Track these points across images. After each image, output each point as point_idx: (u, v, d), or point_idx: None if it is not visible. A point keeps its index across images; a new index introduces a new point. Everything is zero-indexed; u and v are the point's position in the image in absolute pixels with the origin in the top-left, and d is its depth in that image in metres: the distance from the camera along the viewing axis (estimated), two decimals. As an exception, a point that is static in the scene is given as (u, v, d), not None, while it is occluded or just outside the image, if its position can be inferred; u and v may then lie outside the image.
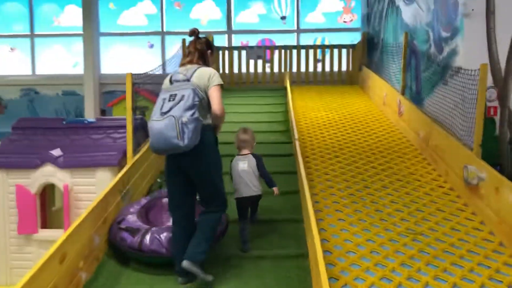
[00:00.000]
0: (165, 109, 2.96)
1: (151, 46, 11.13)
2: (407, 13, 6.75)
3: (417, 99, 6.07)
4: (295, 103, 7.96)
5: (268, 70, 9.88)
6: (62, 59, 11.26)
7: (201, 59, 3.27)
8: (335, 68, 9.77)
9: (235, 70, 9.85)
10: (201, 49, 3.27)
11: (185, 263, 3.03)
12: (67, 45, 11.24)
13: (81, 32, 10.74)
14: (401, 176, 4.87)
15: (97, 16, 10.91)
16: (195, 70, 3.15)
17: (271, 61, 9.86)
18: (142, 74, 4.82)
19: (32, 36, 11.16)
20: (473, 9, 4.72)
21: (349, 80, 9.65)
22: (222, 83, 3.21)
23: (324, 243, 3.62)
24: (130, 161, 4.20)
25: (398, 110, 6.40)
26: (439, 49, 5.43)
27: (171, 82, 3.16)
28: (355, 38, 10.26)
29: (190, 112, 2.94)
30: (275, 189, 3.78)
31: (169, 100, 2.99)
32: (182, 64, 3.29)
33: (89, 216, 3.28)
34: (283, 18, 10.76)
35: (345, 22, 10.66)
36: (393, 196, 4.43)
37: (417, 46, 6.22)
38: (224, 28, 10.91)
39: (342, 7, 10.64)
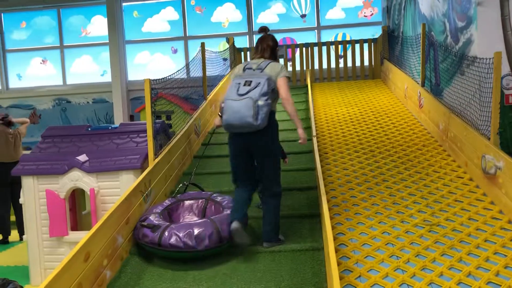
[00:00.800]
0: (242, 92, 3.48)
1: (175, 51, 11.39)
2: (424, 5, 6.69)
3: (436, 90, 6.02)
4: (317, 100, 8.01)
5: (290, 68, 9.94)
6: (91, 68, 11.69)
7: (272, 54, 3.76)
8: (357, 63, 9.76)
9: (257, 71, 9.94)
10: (272, 46, 3.76)
11: (265, 244, 3.66)
12: (95, 55, 11.64)
13: (108, 42, 11.12)
14: (420, 168, 4.86)
15: (122, 25, 11.26)
16: (268, 63, 3.63)
17: (293, 60, 9.93)
18: (162, 79, 4.97)
19: (61, 47, 11.62)
20: (486, -3, 4.67)
21: (371, 75, 9.63)
22: (290, 76, 3.76)
23: (340, 237, 3.69)
24: (151, 163, 4.37)
25: (418, 103, 6.36)
26: (455, 39, 5.38)
27: (244, 70, 3.67)
28: (376, 32, 10.21)
29: (265, 98, 3.43)
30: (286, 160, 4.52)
31: (244, 85, 3.50)
32: (255, 57, 3.79)
33: (111, 216, 3.45)
34: (303, 16, 10.80)
35: (365, 16, 10.60)
36: (412, 189, 4.43)
37: (435, 37, 6.17)
38: (245, 29, 11.05)
39: (362, 1, 10.60)
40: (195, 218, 3.93)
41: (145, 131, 4.68)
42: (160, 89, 4.87)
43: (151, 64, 11.39)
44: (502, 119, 4.64)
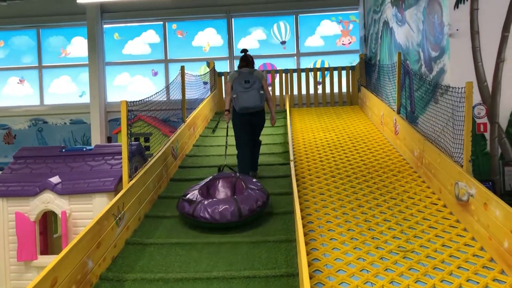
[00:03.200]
0: (246, 86, 5.32)
1: (156, 74, 11.40)
2: (400, 34, 6.88)
3: (411, 118, 6.13)
4: (295, 125, 8.08)
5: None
6: (69, 89, 11.58)
7: (253, 66, 5.67)
8: (336, 90, 9.91)
9: (237, 95, 10.00)
10: (252, 60, 5.68)
11: (252, 173, 5.53)
12: (74, 76, 11.56)
13: (87, 63, 11.06)
14: (395, 194, 4.91)
15: (102, 46, 11.24)
16: (254, 70, 5.54)
17: (273, 85, 10.03)
18: (139, 101, 4.95)
19: (40, 67, 11.51)
20: (457, 29, 4.82)
21: (349, 101, 9.78)
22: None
23: (315, 262, 3.66)
24: (125, 186, 4.30)
25: (394, 129, 6.47)
26: (429, 68, 5.52)
27: (239, 74, 5.45)
28: (354, 59, 10.42)
29: (261, 90, 5.37)
30: None
31: (245, 83, 5.33)
32: (242, 66, 5.57)
33: (82, 240, 3.36)
34: (283, 43, 10.98)
35: (343, 44, 10.84)
36: (386, 215, 4.46)
37: (410, 66, 6.32)
38: (226, 54, 11.16)
39: (340, 30, 10.84)
40: (228, 191, 4.86)
41: (120, 153, 4.63)
42: (137, 111, 4.84)
43: (131, 86, 11.36)
44: (474, 147, 4.74)
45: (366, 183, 5.24)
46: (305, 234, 4.12)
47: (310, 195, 5.01)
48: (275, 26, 11.00)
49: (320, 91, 10.02)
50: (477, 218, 3.85)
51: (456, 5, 4.91)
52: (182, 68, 7.07)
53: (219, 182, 4.97)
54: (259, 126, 5.61)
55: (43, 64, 11.51)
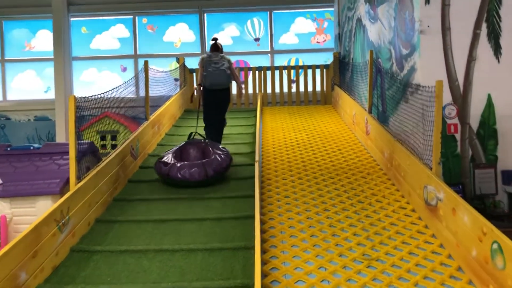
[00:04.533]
0: (215, 66, 6.11)
1: (125, 69, 11.01)
2: (373, 32, 6.68)
3: (383, 117, 5.93)
4: (266, 124, 7.82)
5: (243, 91, 9.74)
6: (34, 84, 11.10)
7: (222, 51, 6.40)
8: (310, 88, 9.69)
9: (208, 92, 9.68)
10: (221, 47, 6.43)
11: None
12: (39, 70, 11.08)
13: (53, 57, 10.60)
14: (363, 197, 4.68)
15: (69, 40, 10.80)
16: (222, 55, 6.31)
17: (246, 83, 9.75)
18: (89, 97, 4.63)
19: (2, 61, 10.99)
20: (428, 26, 4.62)
21: (323, 100, 9.58)
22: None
23: (274, 272, 3.41)
24: (72, 188, 3.96)
25: (365, 129, 6.26)
26: (400, 66, 5.32)
27: (209, 57, 6.23)
28: (329, 58, 10.22)
29: (228, 70, 6.17)
30: None
31: (215, 63, 6.12)
32: (212, 51, 6.32)
33: (13, 249, 3.02)
34: (256, 39, 10.71)
35: (318, 42, 10.63)
36: (353, 219, 4.22)
37: (382, 64, 6.12)
38: (198, 50, 10.83)
39: (315, 28, 10.63)
40: (198, 155, 5.60)
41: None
42: (87, 108, 4.51)
43: (99, 82, 10.94)
44: (445, 149, 4.56)
45: (333, 185, 5.01)
46: (265, 241, 3.87)
47: (274, 197, 4.76)
48: (248, 22, 10.73)
49: (294, 89, 9.79)
50: (445, 224, 3.64)
51: (427, 1, 4.71)
52: (146, 63, 6.74)
53: (190, 147, 5.73)
54: (224, 103, 6.35)
55: (6, 58, 10.99)
